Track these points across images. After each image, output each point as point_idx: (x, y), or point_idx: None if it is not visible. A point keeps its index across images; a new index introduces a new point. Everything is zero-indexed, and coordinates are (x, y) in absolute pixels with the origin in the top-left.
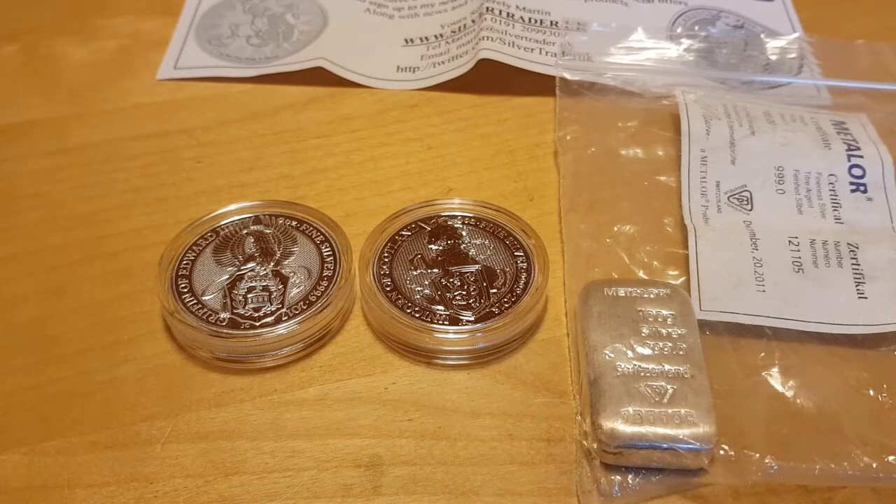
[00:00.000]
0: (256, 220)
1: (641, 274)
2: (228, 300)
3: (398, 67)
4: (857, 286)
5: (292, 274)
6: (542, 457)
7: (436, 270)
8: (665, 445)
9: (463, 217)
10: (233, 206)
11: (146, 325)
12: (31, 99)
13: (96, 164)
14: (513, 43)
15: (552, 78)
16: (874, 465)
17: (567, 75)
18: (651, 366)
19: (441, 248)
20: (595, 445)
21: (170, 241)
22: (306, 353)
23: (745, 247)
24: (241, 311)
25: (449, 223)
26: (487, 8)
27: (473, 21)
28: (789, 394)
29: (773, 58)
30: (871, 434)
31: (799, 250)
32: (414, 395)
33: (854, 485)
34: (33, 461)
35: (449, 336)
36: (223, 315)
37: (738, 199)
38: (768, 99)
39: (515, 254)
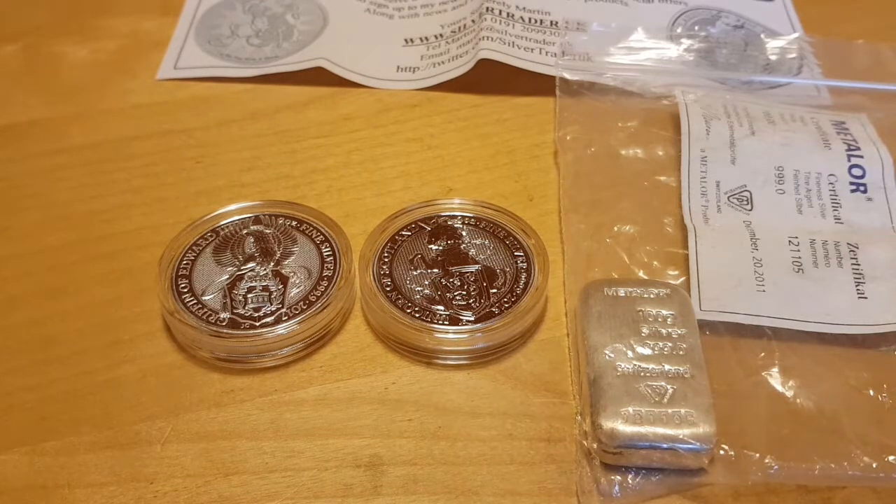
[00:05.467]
0: (256, 220)
1: (641, 274)
2: (228, 300)
3: (398, 67)
4: (857, 286)
5: (292, 274)
6: (542, 457)
7: (436, 270)
8: (665, 445)
9: (463, 217)
10: (233, 206)
11: (146, 325)
12: (31, 99)
13: (96, 164)
14: (513, 43)
15: (552, 78)
16: (874, 465)
17: (567, 75)
18: (651, 366)
19: (441, 248)
20: (595, 445)
21: (170, 241)
22: (306, 353)
23: (745, 247)
24: (241, 311)
25: (449, 223)
26: (487, 8)
27: (473, 21)
28: (789, 394)
29: (773, 58)
30: (871, 434)
31: (799, 250)
32: (414, 395)
33: (854, 485)
34: (33, 461)
35: (449, 336)
36: (223, 315)
37: (738, 199)
38: (768, 99)
39: (515, 254)
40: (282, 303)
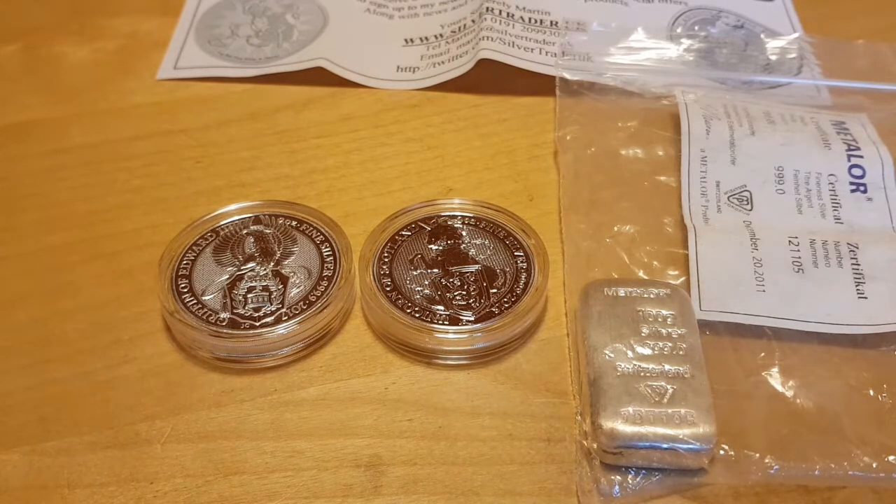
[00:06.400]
0: (256, 220)
1: (641, 274)
2: (228, 300)
3: (398, 67)
4: (857, 286)
5: (292, 274)
6: (542, 457)
7: (436, 270)
8: (665, 445)
9: (463, 217)
10: (233, 206)
11: (146, 325)
12: (31, 99)
13: (96, 164)
14: (513, 43)
15: (552, 78)
16: (874, 465)
17: (567, 75)
18: (651, 366)
19: (441, 248)
20: (595, 445)
21: (170, 241)
22: (306, 353)
23: (745, 247)
24: (241, 311)
25: (449, 223)
26: (487, 8)
27: (473, 21)
28: (789, 394)
29: (773, 58)
30: (871, 434)
31: (799, 250)
32: (414, 395)
33: (854, 485)
34: (33, 461)
35: (449, 336)
36: (223, 315)
37: (738, 199)
38: (768, 99)
39: (515, 254)
40: (282, 303)
